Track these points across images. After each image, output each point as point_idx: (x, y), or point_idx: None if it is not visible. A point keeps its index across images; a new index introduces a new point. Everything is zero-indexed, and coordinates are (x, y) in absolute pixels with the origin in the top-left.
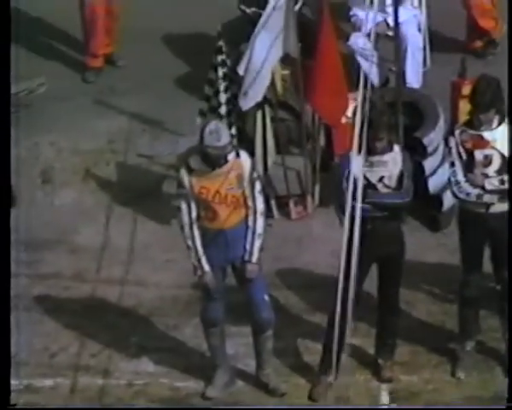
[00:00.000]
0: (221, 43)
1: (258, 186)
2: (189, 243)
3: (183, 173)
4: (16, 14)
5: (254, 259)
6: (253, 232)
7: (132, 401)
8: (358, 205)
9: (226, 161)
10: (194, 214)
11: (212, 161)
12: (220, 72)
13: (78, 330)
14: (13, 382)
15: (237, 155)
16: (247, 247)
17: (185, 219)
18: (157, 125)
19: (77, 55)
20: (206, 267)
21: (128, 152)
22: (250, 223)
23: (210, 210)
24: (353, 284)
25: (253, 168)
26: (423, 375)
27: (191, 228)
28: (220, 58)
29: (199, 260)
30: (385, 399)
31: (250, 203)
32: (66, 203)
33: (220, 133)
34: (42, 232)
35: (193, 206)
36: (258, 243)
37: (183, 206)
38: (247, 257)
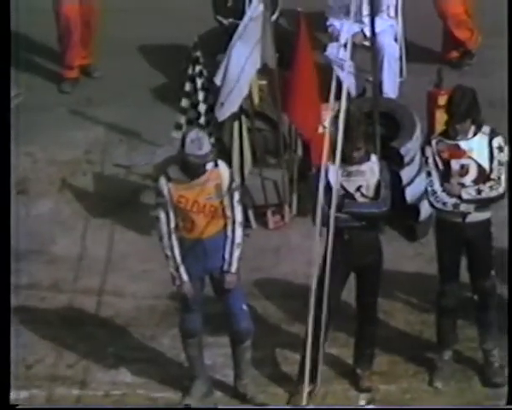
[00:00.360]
0: (198, 53)
1: (236, 196)
2: (168, 252)
3: (163, 183)
4: None
5: (233, 269)
6: (232, 242)
7: None
8: (332, 214)
9: (204, 171)
10: (172, 224)
11: (192, 170)
12: (198, 82)
13: (55, 341)
14: None
15: (215, 164)
16: (226, 257)
17: (164, 228)
18: (134, 136)
19: (53, 66)
20: (185, 277)
21: (105, 162)
22: (229, 233)
23: (188, 220)
24: (326, 293)
25: (232, 178)
26: (401, 384)
27: (170, 238)
28: (198, 68)
29: (177, 270)
30: None
31: (229, 213)
32: (42, 213)
33: (202, 142)
34: (18, 243)
35: (171, 215)
36: (237, 253)
37: (162, 215)
38: (225, 267)
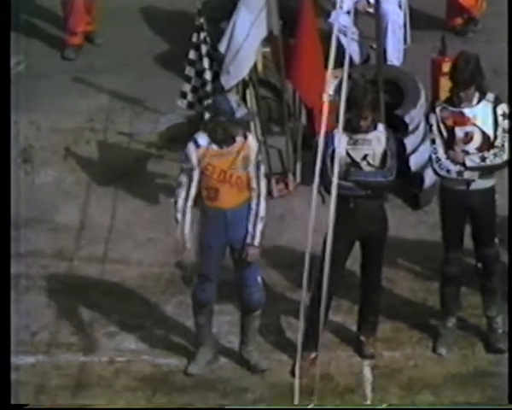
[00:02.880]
0: (202, 20)
1: (262, 169)
2: (179, 216)
3: (192, 149)
4: None
5: (256, 242)
6: (256, 215)
7: (114, 378)
8: (334, 182)
9: (234, 142)
10: (193, 191)
11: (221, 139)
12: (203, 50)
13: (60, 308)
14: None
15: (245, 136)
16: (250, 230)
17: (183, 193)
18: (137, 104)
19: (56, 33)
20: (188, 245)
21: (108, 130)
22: (253, 206)
23: (212, 189)
24: (328, 261)
25: (259, 151)
26: (405, 351)
27: (185, 203)
28: (202, 36)
29: (183, 237)
30: (367, 375)
31: (254, 186)
32: (46, 182)
33: (237, 106)
34: (22, 211)
35: (194, 182)
36: (260, 226)
37: (184, 180)
38: (249, 240)
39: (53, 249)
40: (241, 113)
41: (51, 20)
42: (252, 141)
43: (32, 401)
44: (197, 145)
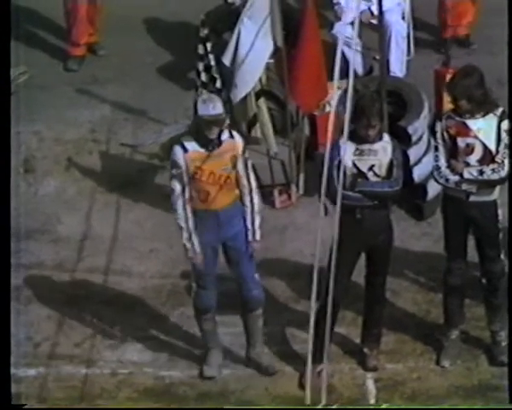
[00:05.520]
0: (206, 31)
1: (249, 165)
2: (182, 224)
3: (179, 154)
4: None
5: (258, 236)
6: (252, 210)
7: (116, 390)
8: (339, 193)
9: (221, 143)
10: (187, 195)
11: (207, 141)
12: (211, 59)
13: (62, 320)
14: None
15: (231, 136)
16: (250, 226)
17: (179, 200)
18: (140, 115)
19: (59, 44)
20: (197, 248)
21: (111, 141)
22: (247, 203)
23: (203, 191)
24: (333, 273)
25: (245, 148)
26: (408, 363)
27: (184, 209)
28: (209, 46)
29: (191, 242)
30: (370, 387)
31: (245, 182)
32: (48, 192)
33: (214, 102)
34: (24, 222)
35: (186, 187)
36: (258, 221)
37: (177, 187)
38: (250, 237)
39: (55, 261)
40: (216, 111)
41: (54, 31)
42: (238, 139)
43: None
44: (185, 150)
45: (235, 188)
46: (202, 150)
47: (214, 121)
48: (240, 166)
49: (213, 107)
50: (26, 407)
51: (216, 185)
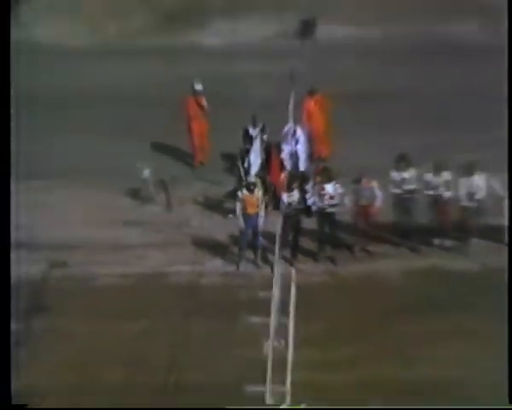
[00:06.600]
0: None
1: (263, 200)
2: (242, 225)
3: (240, 193)
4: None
5: (260, 223)
6: (261, 217)
7: None
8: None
9: (254, 190)
10: (241, 209)
11: (250, 189)
12: (245, 162)
13: None
14: None
15: (255, 189)
16: (260, 224)
17: (239, 211)
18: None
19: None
20: (243, 226)
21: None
22: (260, 213)
23: (246, 207)
24: None
25: (262, 194)
26: None
27: (240, 215)
28: (246, 160)
29: (242, 226)
30: None
31: (260, 204)
32: None
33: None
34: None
35: (241, 206)
36: (261, 219)
37: (239, 206)
38: (259, 227)
39: None
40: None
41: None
42: (259, 190)
43: None
44: (242, 192)
45: (256, 207)
46: (248, 193)
47: (254, 184)
48: (259, 199)
49: (255, 181)
50: (27, 407)
51: (253, 205)
